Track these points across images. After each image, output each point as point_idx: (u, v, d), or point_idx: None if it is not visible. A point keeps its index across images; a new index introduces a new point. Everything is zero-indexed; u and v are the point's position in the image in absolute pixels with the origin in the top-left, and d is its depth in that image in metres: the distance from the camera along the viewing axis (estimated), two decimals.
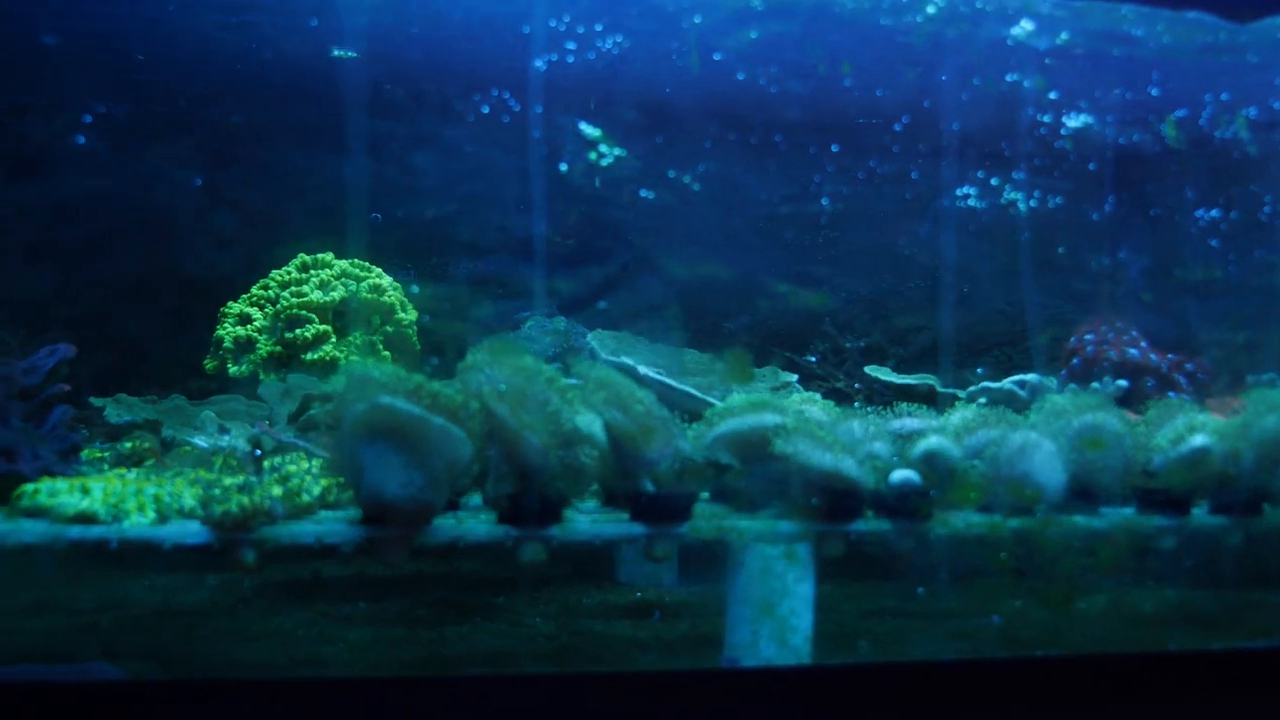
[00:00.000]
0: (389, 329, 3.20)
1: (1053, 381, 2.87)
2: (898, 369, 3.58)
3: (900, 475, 2.03)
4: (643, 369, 2.84)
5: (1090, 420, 2.20)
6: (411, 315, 3.26)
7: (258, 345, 3.02)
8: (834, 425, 2.31)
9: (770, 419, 2.05)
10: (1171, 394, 2.85)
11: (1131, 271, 3.01)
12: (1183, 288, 3.00)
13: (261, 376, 2.98)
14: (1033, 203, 2.98)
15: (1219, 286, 2.94)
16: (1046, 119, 2.77)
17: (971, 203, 2.97)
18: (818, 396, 2.59)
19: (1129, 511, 2.21)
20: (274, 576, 2.52)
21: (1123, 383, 2.76)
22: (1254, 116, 2.67)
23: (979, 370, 3.06)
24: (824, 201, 3.07)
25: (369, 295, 3.13)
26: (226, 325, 3.06)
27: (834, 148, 2.97)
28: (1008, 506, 2.10)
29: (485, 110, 2.62)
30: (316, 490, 1.96)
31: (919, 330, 3.77)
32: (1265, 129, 2.67)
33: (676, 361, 3.19)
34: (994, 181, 2.99)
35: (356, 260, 3.24)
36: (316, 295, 3.06)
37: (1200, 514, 2.22)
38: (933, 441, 2.21)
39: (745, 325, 3.86)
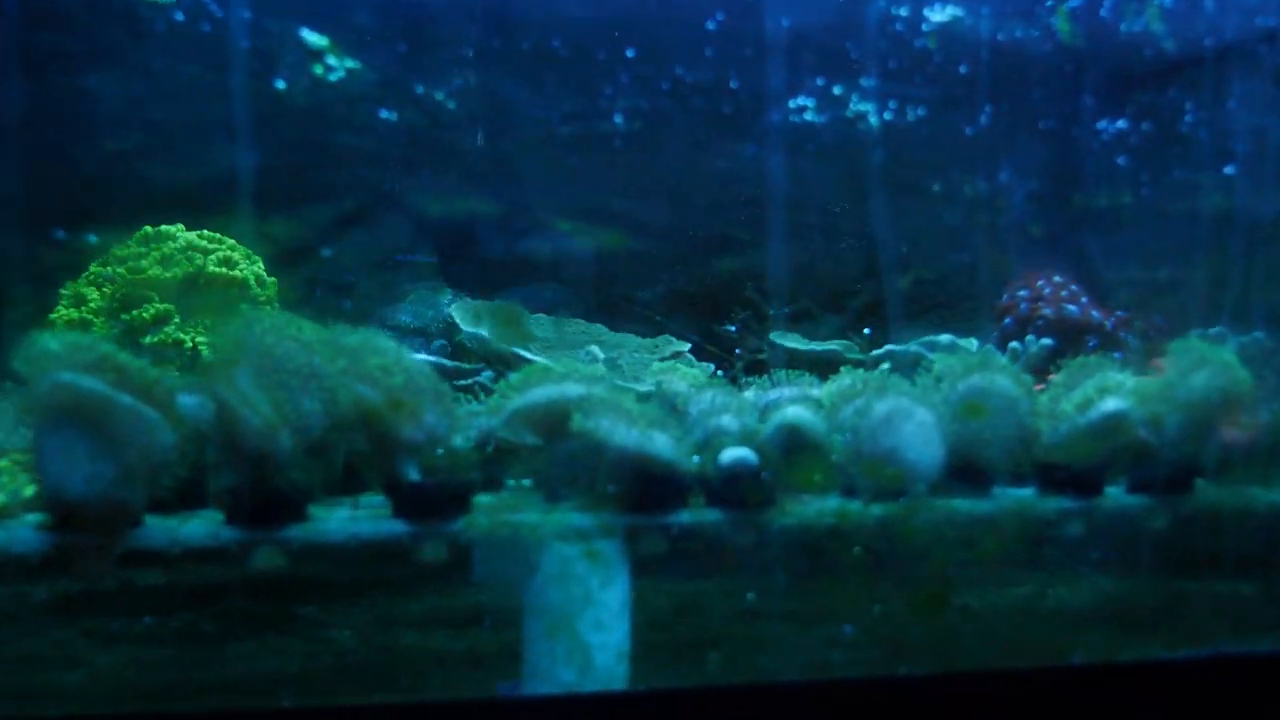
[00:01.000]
0: (243, 306, 2.88)
1: (972, 343, 2.49)
2: (841, 336, 3.22)
3: (731, 455, 1.68)
4: (494, 339, 2.50)
5: (976, 383, 1.83)
6: (269, 291, 2.94)
7: (93, 328, 2.72)
8: (675, 398, 1.96)
9: (573, 390, 1.70)
10: (1117, 355, 2.46)
11: (1016, 198, 2.61)
12: (1083, 217, 2.59)
13: None
14: (887, 115, 2.57)
15: (1128, 215, 2.54)
16: (903, 12, 2.36)
17: (809, 117, 2.57)
18: (685, 365, 2.24)
19: (1028, 493, 1.83)
20: (65, 588, 2.21)
21: (1046, 341, 2.38)
22: (1169, 5, 2.24)
23: (923, 338, 2.68)
24: (618, 120, 2.68)
25: (217, 269, 2.81)
26: (60, 308, 2.76)
27: (629, 53, 2.57)
28: (873, 489, 1.73)
29: (179, 17, 2.25)
30: (29, 490, 1.64)
31: (853, 294, 3.40)
32: (1183, 19, 2.24)
33: (558, 333, 2.85)
34: (836, 91, 2.58)
35: (206, 232, 2.93)
36: (155, 271, 2.75)
37: (1116, 493, 1.84)
38: (789, 414, 1.85)
39: (661, 292, 3.51)
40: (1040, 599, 1.88)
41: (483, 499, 1.76)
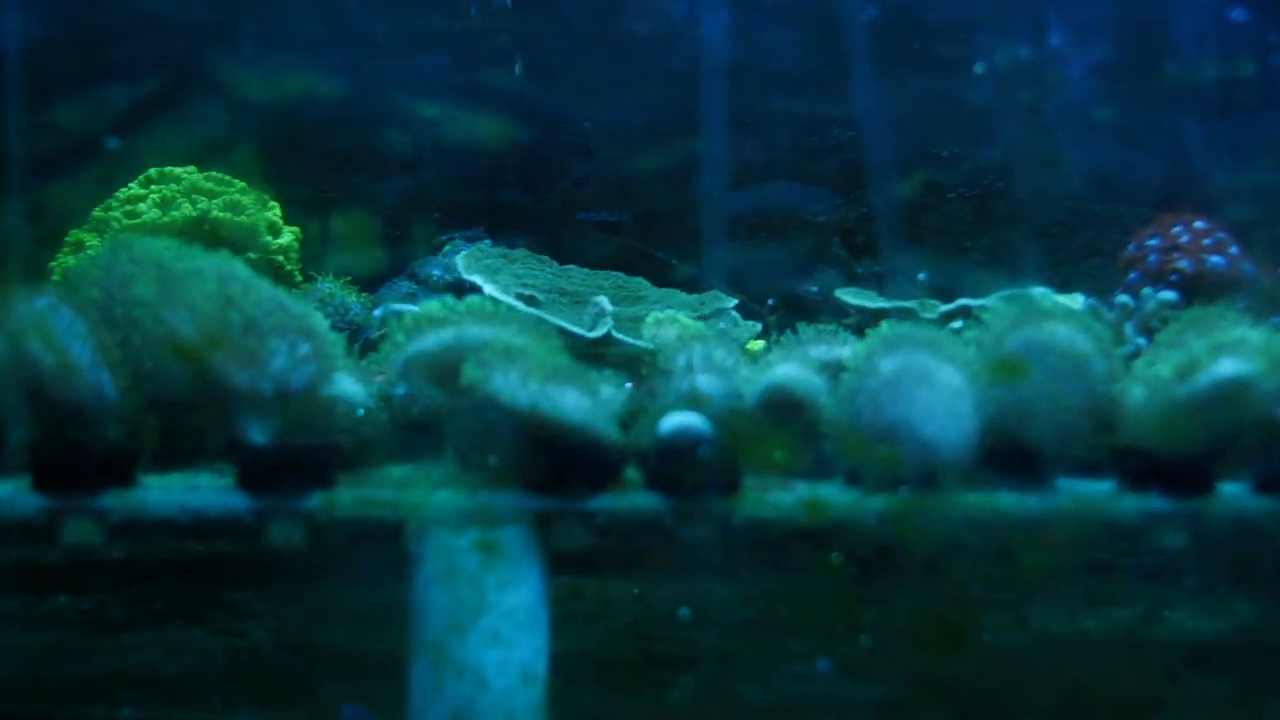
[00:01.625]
0: (252, 255, 2.61)
1: (1077, 299, 1.96)
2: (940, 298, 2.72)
3: (673, 423, 1.26)
4: (490, 289, 2.14)
5: (1028, 336, 1.34)
6: (285, 239, 2.66)
7: None
8: (652, 351, 1.55)
9: (473, 333, 1.32)
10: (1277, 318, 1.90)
11: (1074, 72, 2.03)
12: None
13: None
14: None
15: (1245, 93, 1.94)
16: None
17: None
18: (686, 317, 1.82)
19: (1101, 487, 1.34)
20: None
21: (1168, 295, 1.84)
22: None
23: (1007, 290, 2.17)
24: None
25: (222, 214, 2.55)
26: (60, 255, 2.56)
27: None
28: (878, 476, 1.28)
29: None
30: None
31: (963, 248, 2.89)
32: None
33: (589, 285, 2.47)
34: None
35: (215, 173, 2.68)
36: (152, 215, 2.51)
37: (1235, 492, 1.33)
38: (777, 374, 1.42)
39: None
40: (1103, 643, 1.37)
41: (395, 471, 1.40)
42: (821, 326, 1.84)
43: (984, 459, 1.29)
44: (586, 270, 2.56)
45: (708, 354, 1.54)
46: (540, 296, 2.41)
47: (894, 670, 1.17)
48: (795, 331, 1.90)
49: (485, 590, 1.25)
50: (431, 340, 1.33)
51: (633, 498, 1.27)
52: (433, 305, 1.35)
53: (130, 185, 2.61)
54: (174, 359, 1.21)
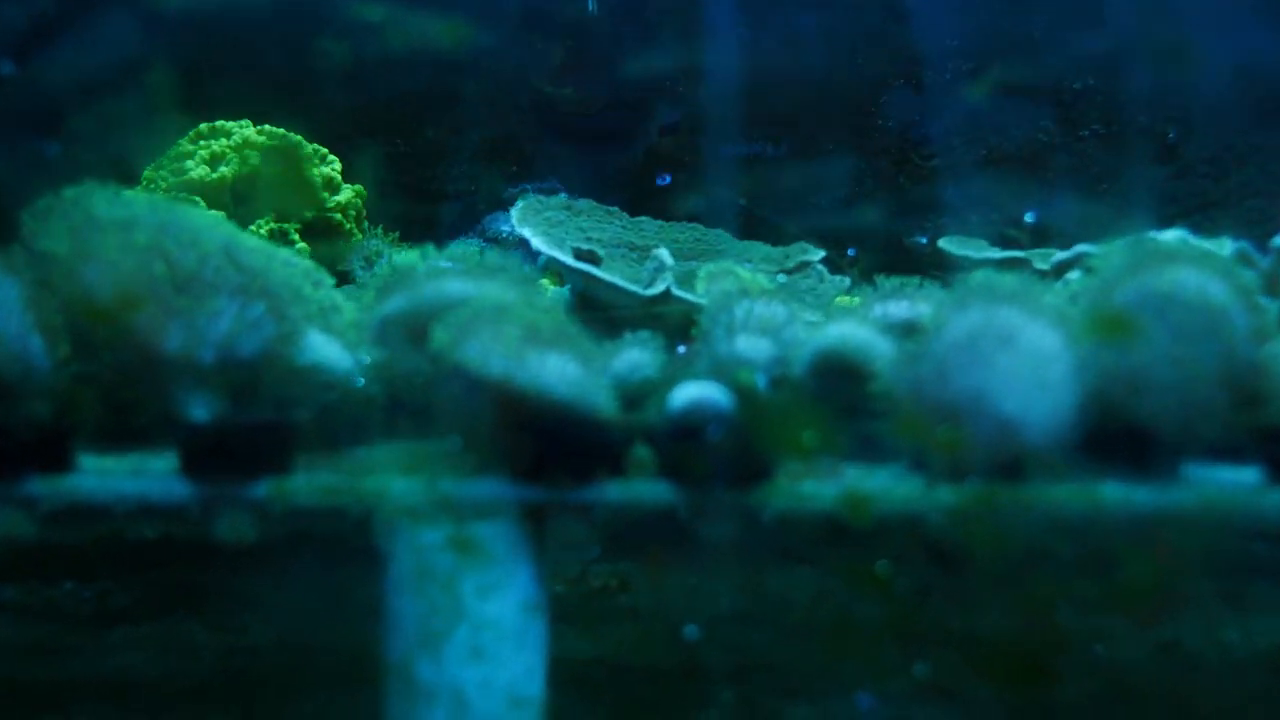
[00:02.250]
0: (308, 213, 2.46)
1: (1224, 244, 1.63)
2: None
3: (685, 396, 1.02)
4: (537, 243, 1.92)
5: (1147, 285, 1.05)
6: (345, 195, 2.50)
7: None
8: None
9: (455, 288, 1.10)
10: None
11: None
12: None
13: None
14: None
15: None
16: None
17: None
18: (745, 270, 1.57)
19: (1243, 476, 1.05)
20: None
21: None
22: None
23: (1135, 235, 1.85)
24: None
25: (274, 170, 2.41)
26: None
27: None
28: (946, 461, 1.02)
29: None
30: None
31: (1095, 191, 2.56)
32: None
33: (661, 239, 2.23)
34: None
35: (268, 127, 2.53)
36: (200, 172, 2.38)
37: None
38: (830, 334, 1.16)
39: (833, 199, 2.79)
40: (1234, 686, 1.07)
41: (377, 452, 1.21)
42: (906, 280, 1.58)
43: (1084, 442, 1.01)
44: (661, 222, 2.32)
45: (753, 311, 1.29)
46: (602, 251, 2.19)
47: (956, 710, 0.91)
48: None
49: (462, 596, 1.04)
50: (406, 299, 1.12)
51: (638, 487, 1.04)
52: (410, 257, 1.14)
53: (180, 141, 2.49)
54: (93, 323, 1.04)
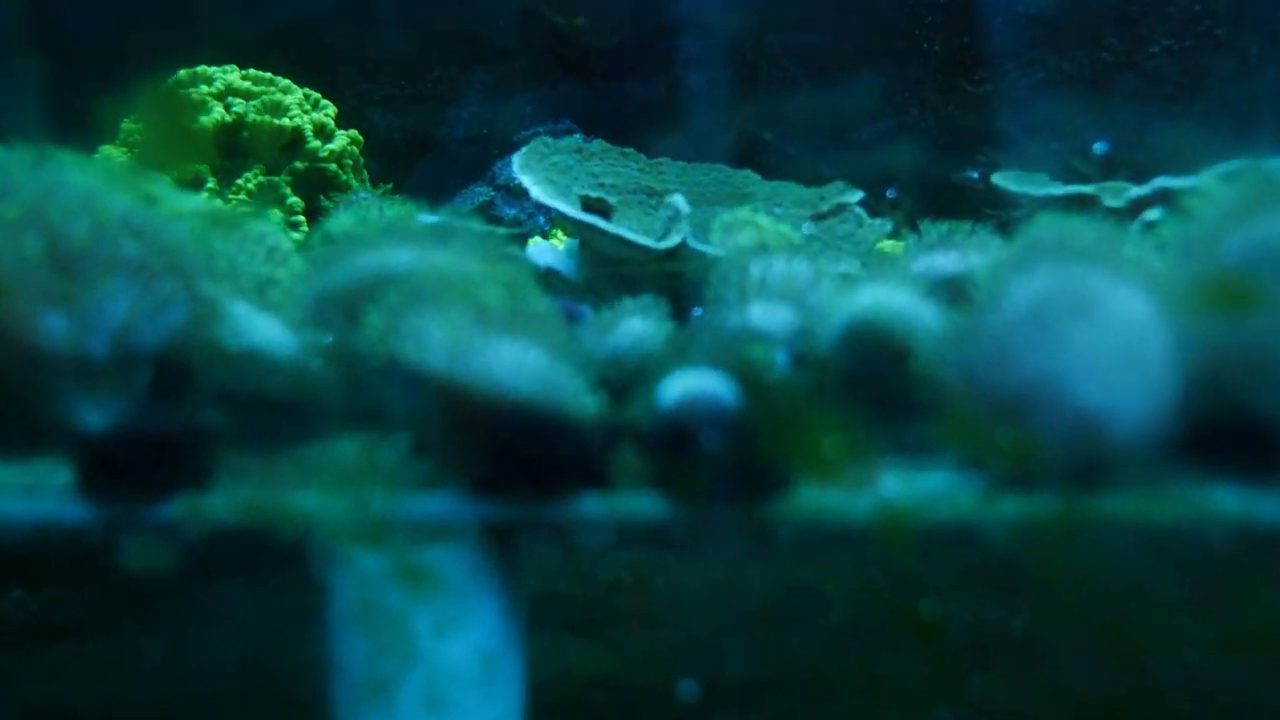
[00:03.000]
0: (299, 165, 2.27)
1: None
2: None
3: (678, 390, 0.82)
4: (537, 193, 1.71)
5: (1270, 235, 0.83)
6: (339, 144, 2.30)
7: None
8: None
9: (400, 259, 0.90)
10: None
11: None
12: None
13: None
14: None
15: None
16: None
17: None
18: (766, 218, 1.35)
19: None
20: None
21: None
22: None
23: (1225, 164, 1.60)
24: None
25: (260, 118, 2.21)
26: None
27: None
28: (1008, 463, 0.81)
29: None
30: None
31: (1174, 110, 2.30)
32: None
33: (651, 177, 2.01)
34: None
35: (254, 71, 2.33)
36: (182, 123, 2.19)
37: None
38: (862, 302, 0.95)
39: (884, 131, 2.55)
40: None
41: (323, 454, 1.02)
42: (954, 225, 1.35)
43: (1187, 439, 0.79)
44: (682, 164, 2.10)
45: (771, 271, 1.08)
46: (615, 199, 1.98)
47: None
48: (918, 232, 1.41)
49: (415, 635, 0.85)
50: (341, 272, 0.92)
51: (623, 500, 0.84)
52: (346, 219, 0.94)
53: (160, 90, 2.30)
54: None
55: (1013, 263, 0.84)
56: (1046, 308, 0.80)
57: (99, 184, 0.95)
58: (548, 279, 1.71)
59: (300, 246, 2.23)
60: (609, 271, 1.76)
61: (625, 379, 1.18)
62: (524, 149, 1.95)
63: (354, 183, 2.35)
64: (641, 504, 0.84)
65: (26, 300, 0.84)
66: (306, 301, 0.95)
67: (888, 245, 1.93)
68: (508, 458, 0.83)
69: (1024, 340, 0.79)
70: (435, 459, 0.87)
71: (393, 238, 0.92)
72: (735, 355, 1.01)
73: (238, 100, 2.25)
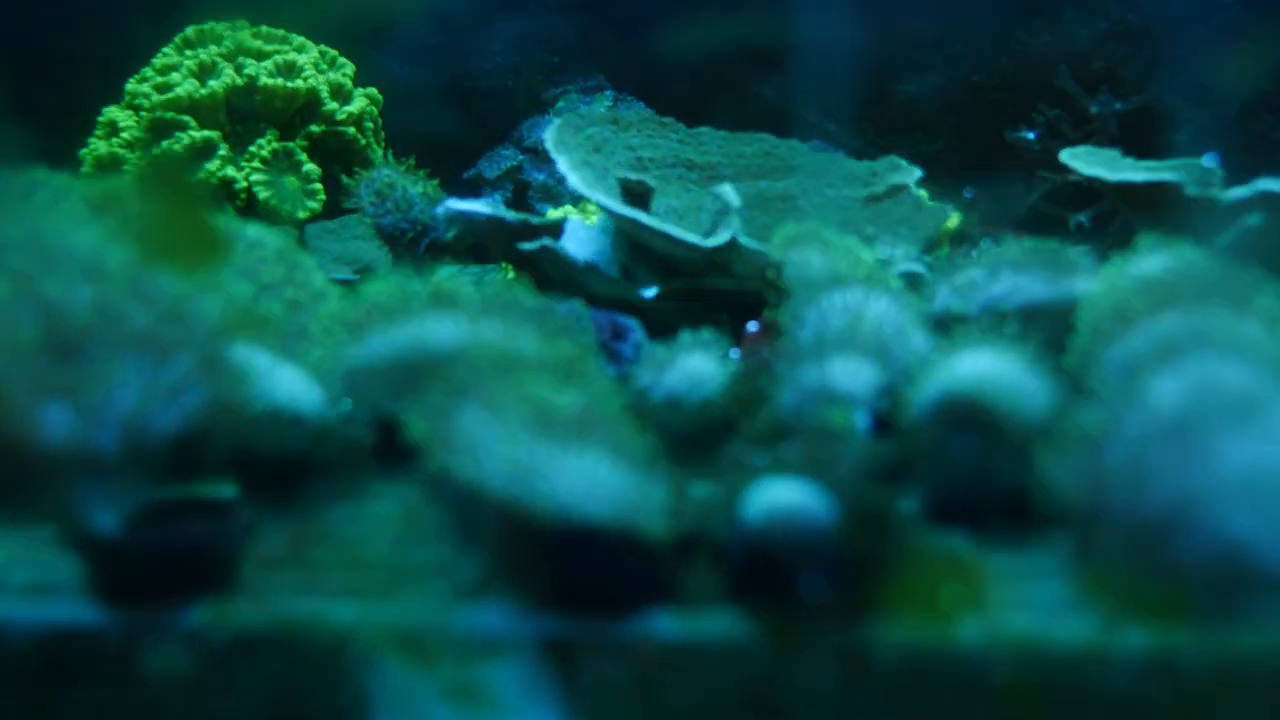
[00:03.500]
0: (315, 129, 2.14)
1: None
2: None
3: (766, 507, 0.72)
4: (574, 181, 1.59)
5: None
6: (357, 105, 2.17)
7: (125, 167, 2.10)
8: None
9: (440, 335, 0.80)
10: None
11: None
12: None
13: None
14: None
15: None
16: None
17: None
18: (832, 233, 1.22)
19: None
20: None
21: None
22: None
23: None
24: None
25: (272, 80, 2.08)
26: (93, 138, 2.16)
27: None
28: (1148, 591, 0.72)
29: None
30: None
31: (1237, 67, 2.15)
32: None
33: (692, 149, 1.88)
34: None
35: (266, 29, 2.19)
36: (187, 87, 2.06)
37: None
38: (960, 375, 0.85)
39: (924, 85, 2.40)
40: None
41: (359, 534, 0.93)
42: (1038, 240, 1.24)
43: None
44: (724, 134, 1.96)
45: (848, 311, 0.98)
46: (655, 175, 1.85)
47: None
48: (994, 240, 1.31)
49: None
50: (379, 345, 0.82)
51: (701, 620, 0.75)
52: (384, 288, 0.83)
53: (167, 49, 2.17)
54: None
55: (1147, 352, 0.73)
56: (1195, 413, 0.69)
57: (100, 242, 0.84)
58: (587, 274, 1.60)
59: (313, 218, 2.11)
60: (651, 263, 1.65)
61: (684, 426, 1.08)
62: (556, 123, 1.82)
63: (375, 147, 2.22)
64: (718, 623, 0.75)
65: (23, 393, 0.74)
66: (340, 376, 0.84)
67: (952, 224, 1.81)
68: (571, 574, 0.73)
69: (1169, 458, 0.69)
70: (487, 563, 0.78)
71: (433, 303, 0.81)
72: (814, 415, 0.91)
73: (249, 60, 2.12)
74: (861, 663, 0.73)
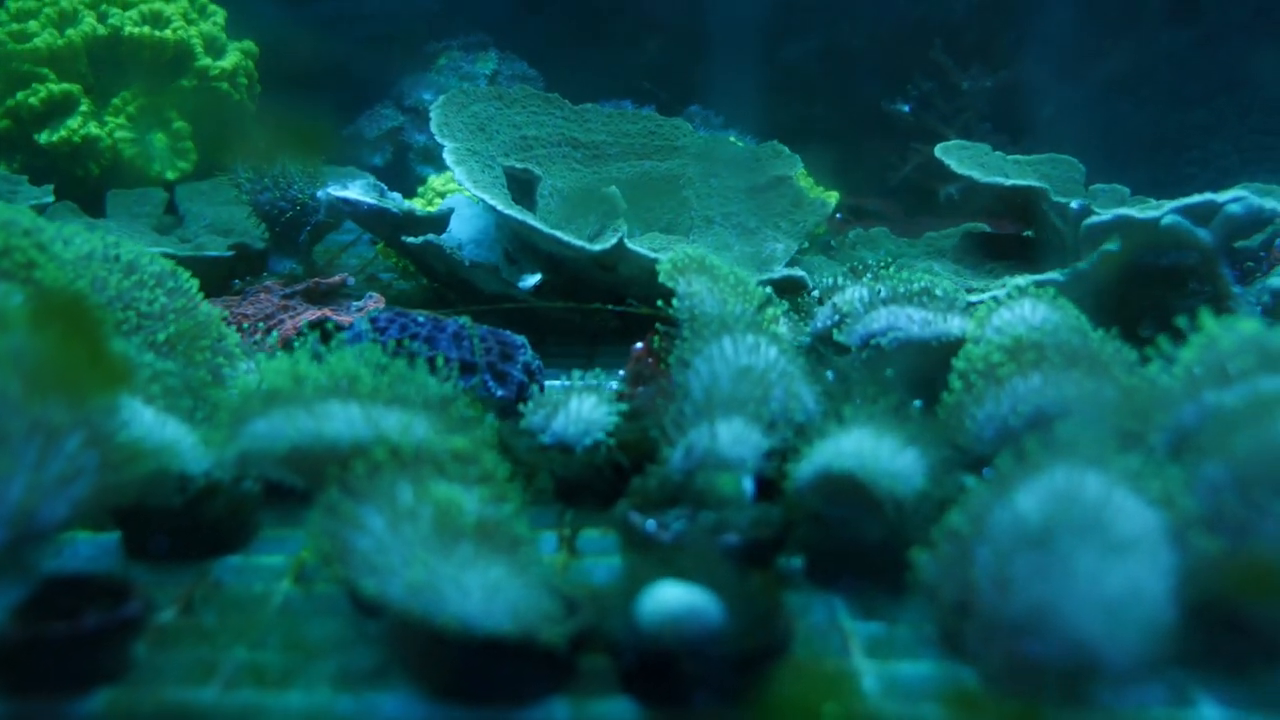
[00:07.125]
0: (185, 83, 2.04)
1: None
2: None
3: (659, 610, 0.75)
4: (461, 175, 1.58)
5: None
6: (230, 60, 2.08)
7: None
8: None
9: (335, 429, 0.80)
10: None
11: None
12: None
13: None
14: None
15: None
16: None
17: None
18: (719, 259, 1.24)
19: None
20: None
21: None
22: None
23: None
24: None
25: (138, 29, 1.97)
26: None
27: None
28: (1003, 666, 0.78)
29: None
30: None
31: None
32: None
33: (577, 127, 1.88)
34: None
35: None
36: (47, 38, 1.94)
37: None
38: (845, 456, 0.89)
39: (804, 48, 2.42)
40: None
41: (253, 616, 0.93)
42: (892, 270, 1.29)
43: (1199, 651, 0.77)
44: (609, 110, 1.96)
45: (736, 365, 1.01)
46: (541, 154, 1.84)
47: None
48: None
49: None
50: (273, 433, 0.81)
51: (594, 708, 0.79)
52: (278, 370, 0.83)
53: None
54: None
55: (1017, 425, 0.79)
56: (1052, 530, 0.75)
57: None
58: (472, 271, 1.59)
59: (183, 178, 2.02)
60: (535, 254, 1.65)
61: (573, 470, 1.11)
62: (440, 101, 1.78)
63: (250, 105, 2.13)
64: (612, 711, 0.79)
65: None
66: (231, 457, 0.84)
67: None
68: (470, 670, 0.76)
69: (1029, 567, 0.75)
70: (386, 647, 0.80)
71: (328, 393, 0.81)
72: (703, 480, 0.95)
73: (114, 9, 2.00)
74: None
